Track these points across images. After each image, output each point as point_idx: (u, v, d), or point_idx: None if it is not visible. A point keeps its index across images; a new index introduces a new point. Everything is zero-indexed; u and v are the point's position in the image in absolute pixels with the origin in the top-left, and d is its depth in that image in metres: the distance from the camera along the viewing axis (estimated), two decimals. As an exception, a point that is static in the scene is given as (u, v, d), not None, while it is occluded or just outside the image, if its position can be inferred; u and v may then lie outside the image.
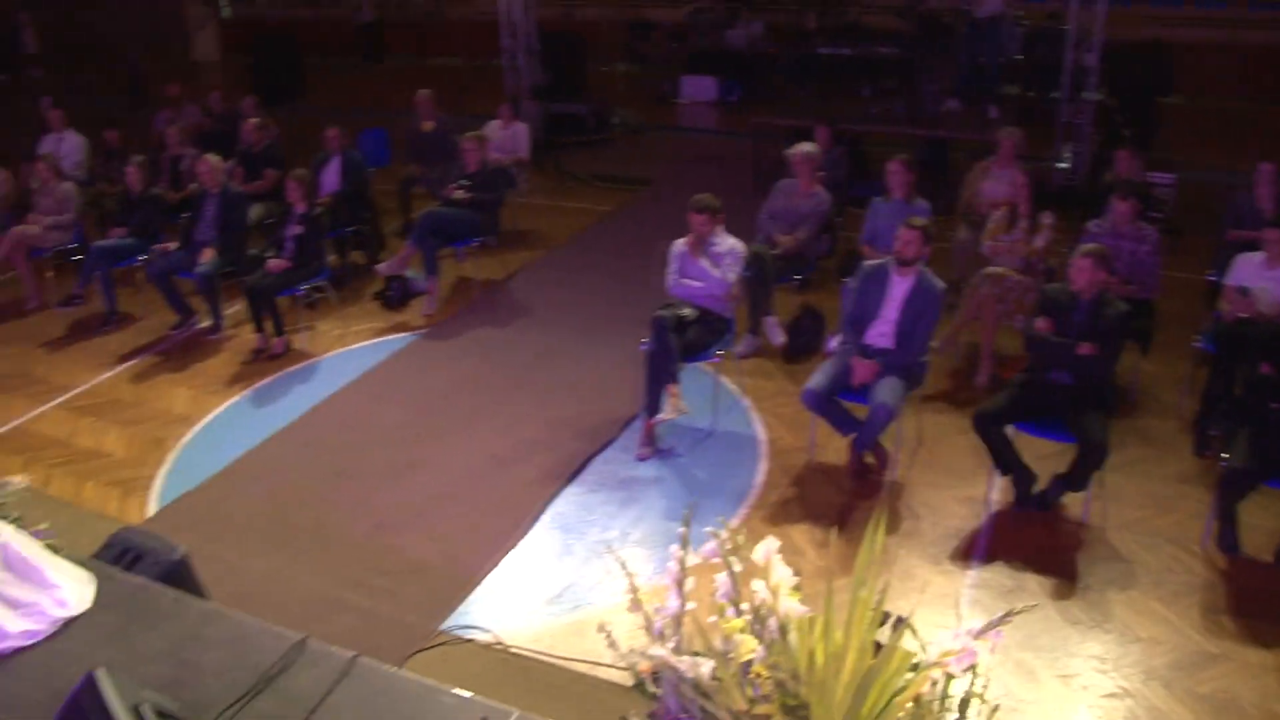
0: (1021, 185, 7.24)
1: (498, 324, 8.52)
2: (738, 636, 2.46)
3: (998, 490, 5.88)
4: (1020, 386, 5.72)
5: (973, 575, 5.29)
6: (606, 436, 6.66)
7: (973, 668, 2.37)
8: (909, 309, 5.99)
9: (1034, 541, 5.53)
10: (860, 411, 6.01)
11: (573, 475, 6.28)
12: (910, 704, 2.40)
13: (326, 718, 3.23)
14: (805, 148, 8.13)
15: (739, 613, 2.56)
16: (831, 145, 9.15)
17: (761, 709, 2.37)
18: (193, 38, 22.71)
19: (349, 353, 8.18)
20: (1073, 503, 5.73)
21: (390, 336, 8.42)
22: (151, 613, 3.83)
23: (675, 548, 2.82)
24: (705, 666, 2.52)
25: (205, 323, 8.69)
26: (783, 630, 2.36)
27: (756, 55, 16.10)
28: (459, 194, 8.90)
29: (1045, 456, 5.83)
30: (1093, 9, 10.36)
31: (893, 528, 5.63)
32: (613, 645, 3.10)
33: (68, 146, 10.95)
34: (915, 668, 2.37)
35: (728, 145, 13.50)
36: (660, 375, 6.34)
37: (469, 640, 4.94)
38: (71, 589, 3.85)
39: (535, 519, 5.89)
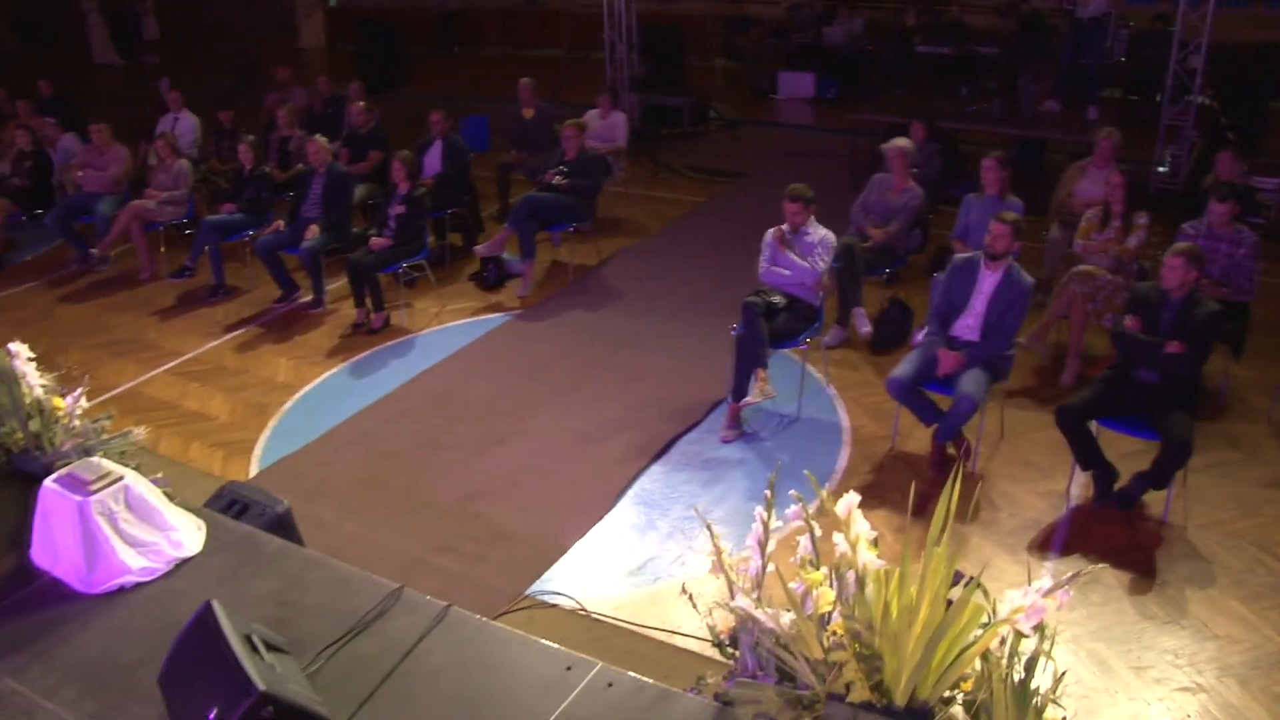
0: (1116, 185, 7.19)
1: (590, 308, 8.70)
2: (817, 589, 2.58)
3: (1078, 485, 5.90)
4: (1105, 383, 5.72)
5: (1049, 566, 5.32)
6: (692, 418, 6.79)
7: (1040, 627, 2.46)
8: (997, 302, 6.03)
9: (1112, 537, 5.54)
10: (944, 403, 6.07)
11: (658, 454, 6.43)
12: (979, 659, 2.50)
13: (420, 660, 3.42)
14: (900, 143, 8.17)
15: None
16: (926, 141, 9.17)
17: (837, 656, 2.48)
18: (300, 26, 23.29)
19: (445, 330, 8.43)
20: (1154, 501, 5.72)
21: (485, 316, 8.65)
22: (258, 557, 4.06)
23: (760, 510, 2.95)
24: (785, 617, 2.64)
25: (307, 297, 9.02)
26: (860, 582, 2.47)
27: (855, 52, 16.06)
28: (557, 180, 9.09)
29: (1128, 455, 5.83)
30: (1201, 11, 10.21)
31: (971, 517, 5.67)
32: (694, 605, 3.25)
33: (183, 126, 11.40)
34: (985, 625, 2.47)
35: (823, 141, 13.51)
36: (749, 360, 6.46)
37: (553, 605, 5.11)
38: (186, 532, 4.11)
39: (620, 494, 6.06)
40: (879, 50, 15.90)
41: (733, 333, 6.59)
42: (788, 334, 6.67)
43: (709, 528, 3.00)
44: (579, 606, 5.08)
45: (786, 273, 6.72)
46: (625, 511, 5.93)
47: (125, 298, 9.51)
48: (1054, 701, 2.57)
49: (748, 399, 6.50)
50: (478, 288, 9.21)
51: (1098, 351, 7.18)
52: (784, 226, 6.81)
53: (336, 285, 8.97)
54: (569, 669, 3.34)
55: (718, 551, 2.99)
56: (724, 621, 3.23)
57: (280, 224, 8.97)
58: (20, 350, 4.44)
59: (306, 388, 7.58)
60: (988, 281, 6.11)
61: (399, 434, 6.83)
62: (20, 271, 10.24)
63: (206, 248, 9.32)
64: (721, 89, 16.37)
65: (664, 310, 8.54)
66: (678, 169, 12.70)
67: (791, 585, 2.69)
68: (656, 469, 6.31)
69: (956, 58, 14.42)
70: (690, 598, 3.26)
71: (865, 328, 7.72)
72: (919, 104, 11.92)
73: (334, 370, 7.84)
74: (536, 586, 5.27)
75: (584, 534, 5.71)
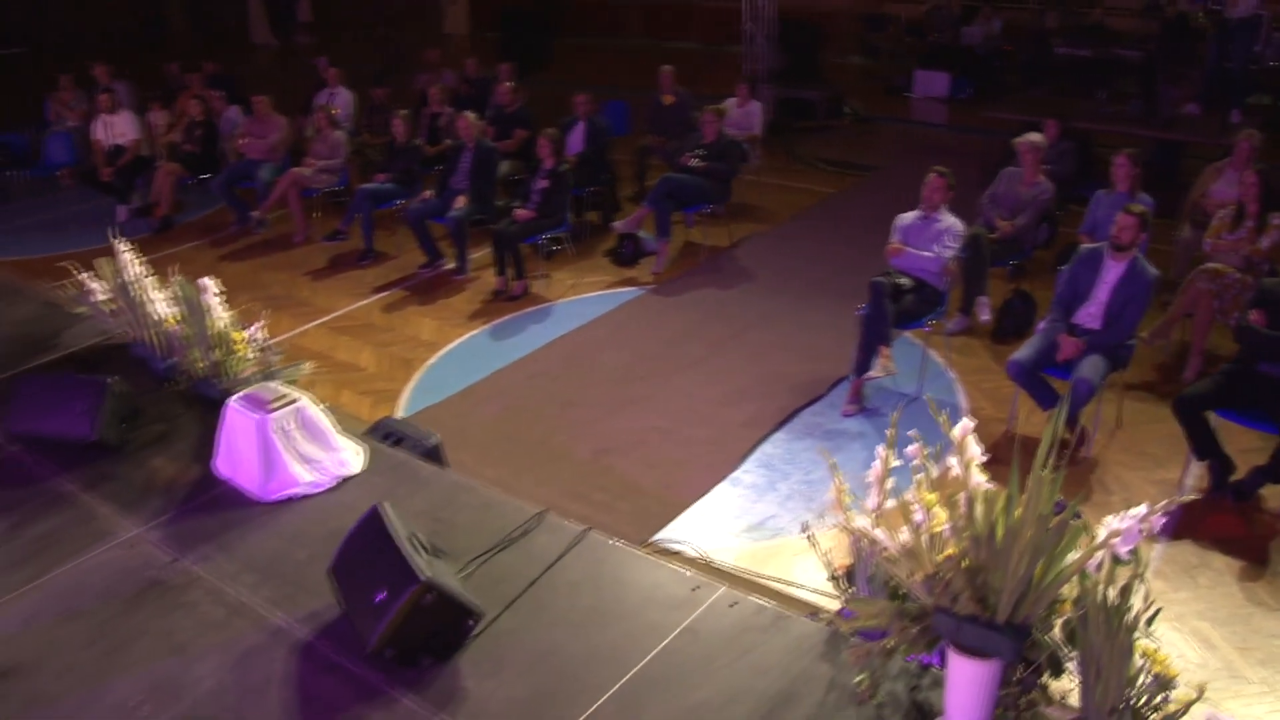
0: (1251, 184, 7.19)
1: (720, 286, 9.00)
2: (932, 510, 2.83)
3: (1193, 476, 5.97)
4: (1227, 375, 5.77)
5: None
6: (816, 392, 7.03)
7: (1135, 553, 2.67)
8: (1120, 293, 6.15)
9: (1225, 526, 5.60)
10: (1063, 388, 6.19)
11: (781, 423, 6.69)
12: (1076, 583, 2.73)
13: (560, 573, 3.76)
14: (1032, 137, 8.29)
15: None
16: (1059, 139, 9.24)
17: (946, 571, 2.73)
18: (445, 12, 24.01)
19: (580, 300, 8.82)
20: (1271, 495, 5.76)
21: (619, 289, 9.02)
22: (413, 479, 4.46)
23: (880, 447, 3.20)
24: (901, 536, 2.90)
25: (451, 264, 9.50)
26: (971, 503, 2.71)
27: (992, 53, 16.01)
28: (695, 162, 9.41)
29: (1247, 451, 5.86)
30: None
31: (1082, 499, 5.80)
32: (813, 543, 3.52)
33: (340, 100, 12.01)
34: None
35: (956, 140, 13.55)
36: (873, 337, 6.68)
37: (676, 553, 5.41)
38: (349, 454, 4.53)
39: (743, 457, 6.34)
40: (1016, 51, 15.81)
41: (858, 313, 6.82)
42: (912, 315, 6.88)
43: (833, 465, 3.26)
44: (700, 555, 5.37)
45: (926, 253, 6.93)
46: (748, 473, 6.21)
47: (281, 258, 10.13)
48: (1148, 634, 2.78)
49: (870, 374, 6.72)
50: (613, 263, 9.58)
51: (1222, 351, 7.17)
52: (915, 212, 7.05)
53: (479, 254, 9.44)
54: (695, 589, 3.65)
55: (840, 490, 3.25)
56: (839, 559, 3.50)
57: (429, 194, 9.46)
58: (210, 285, 4.92)
59: (449, 346, 8.05)
60: (1112, 272, 6.22)
61: (535, 392, 7.22)
62: (186, 231, 11.01)
63: (359, 214, 9.88)
64: (856, 85, 16.46)
65: (791, 293, 8.78)
66: (810, 160, 12.90)
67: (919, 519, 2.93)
68: (779, 436, 6.57)
69: (1096, 60, 14.26)
70: (810, 537, 3.53)
71: (986, 315, 7.85)
72: (1055, 105, 11.87)
73: (475, 332, 8.29)
74: (661, 535, 5.59)
75: (707, 491, 6.01)
